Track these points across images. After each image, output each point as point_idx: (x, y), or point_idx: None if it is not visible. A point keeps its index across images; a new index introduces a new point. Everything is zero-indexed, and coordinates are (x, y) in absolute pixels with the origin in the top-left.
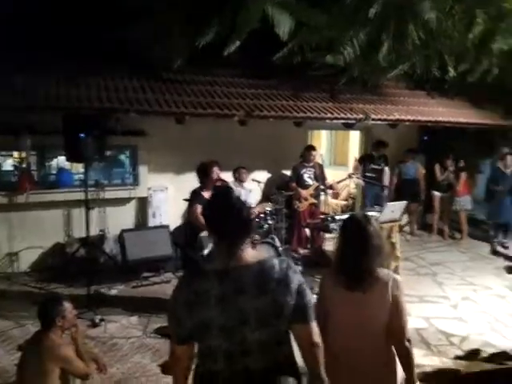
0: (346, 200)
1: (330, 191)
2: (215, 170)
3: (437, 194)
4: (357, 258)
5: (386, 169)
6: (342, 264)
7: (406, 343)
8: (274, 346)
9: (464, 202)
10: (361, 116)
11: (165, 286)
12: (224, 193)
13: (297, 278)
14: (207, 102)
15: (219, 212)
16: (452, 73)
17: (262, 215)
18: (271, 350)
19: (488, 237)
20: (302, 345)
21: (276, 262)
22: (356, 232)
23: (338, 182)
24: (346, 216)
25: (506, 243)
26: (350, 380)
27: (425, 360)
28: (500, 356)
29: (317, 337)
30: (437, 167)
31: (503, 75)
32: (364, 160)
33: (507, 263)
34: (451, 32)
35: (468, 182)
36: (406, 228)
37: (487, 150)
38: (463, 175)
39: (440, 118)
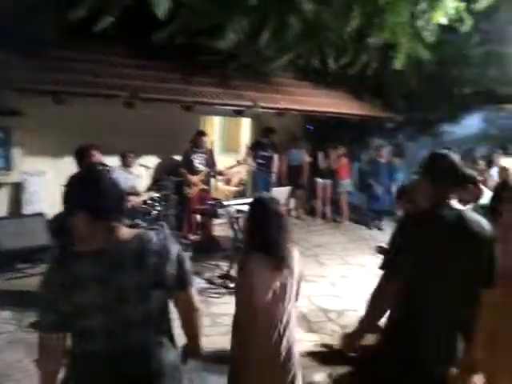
0: (238, 186)
1: (220, 177)
2: (95, 153)
3: (320, 180)
4: (279, 238)
5: (275, 156)
6: (266, 246)
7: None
8: (156, 319)
9: (346, 185)
10: (250, 103)
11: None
12: (96, 170)
13: (175, 247)
14: (89, 81)
15: (92, 189)
16: (332, 65)
17: (149, 201)
18: (153, 323)
19: (365, 220)
20: (184, 311)
21: (153, 234)
22: (271, 213)
23: (229, 168)
24: (236, 201)
25: (382, 226)
26: (268, 356)
27: (305, 336)
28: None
29: (198, 302)
30: (320, 155)
31: (381, 69)
32: (255, 147)
33: (377, 244)
34: (330, 25)
35: (349, 167)
36: (293, 213)
37: (365, 140)
38: (344, 160)
39: (324, 109)
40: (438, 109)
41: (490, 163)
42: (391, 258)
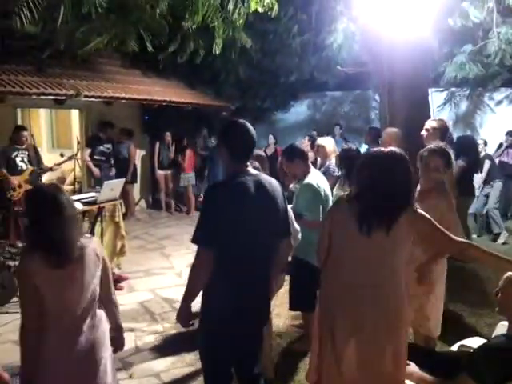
0: (73, 184)
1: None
2: None
3: (160, 172)
4: (62, 231)
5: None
6: (43, 240)
7: None
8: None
9: (190, 178)
10: (72, 92)
11: None
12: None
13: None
14: None
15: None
16: (150, 48)
17: None
18: None
19: None
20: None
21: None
22: (50, 204)
23: (58, 164)
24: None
25: None
26: None
27: (149, 328)
28: None
29: None
30: (156, 146)
31: (210, 58)
32: (92, 142)
33: None
34: (142, 5)
35: (193, 159)
36: (134, 207)
37: (200, 129)
38: (188, 152)
39: (155, 97)
40: (268, 97)
41: (312, 143)
42: (205, 230)
